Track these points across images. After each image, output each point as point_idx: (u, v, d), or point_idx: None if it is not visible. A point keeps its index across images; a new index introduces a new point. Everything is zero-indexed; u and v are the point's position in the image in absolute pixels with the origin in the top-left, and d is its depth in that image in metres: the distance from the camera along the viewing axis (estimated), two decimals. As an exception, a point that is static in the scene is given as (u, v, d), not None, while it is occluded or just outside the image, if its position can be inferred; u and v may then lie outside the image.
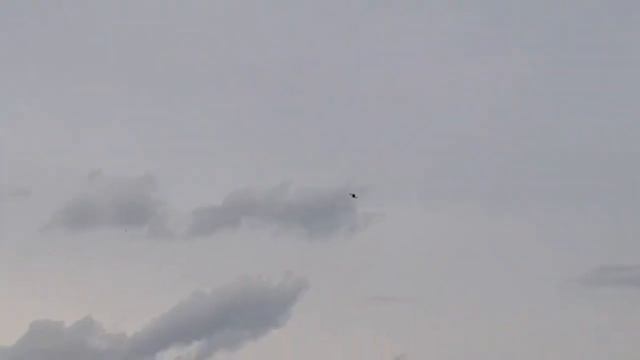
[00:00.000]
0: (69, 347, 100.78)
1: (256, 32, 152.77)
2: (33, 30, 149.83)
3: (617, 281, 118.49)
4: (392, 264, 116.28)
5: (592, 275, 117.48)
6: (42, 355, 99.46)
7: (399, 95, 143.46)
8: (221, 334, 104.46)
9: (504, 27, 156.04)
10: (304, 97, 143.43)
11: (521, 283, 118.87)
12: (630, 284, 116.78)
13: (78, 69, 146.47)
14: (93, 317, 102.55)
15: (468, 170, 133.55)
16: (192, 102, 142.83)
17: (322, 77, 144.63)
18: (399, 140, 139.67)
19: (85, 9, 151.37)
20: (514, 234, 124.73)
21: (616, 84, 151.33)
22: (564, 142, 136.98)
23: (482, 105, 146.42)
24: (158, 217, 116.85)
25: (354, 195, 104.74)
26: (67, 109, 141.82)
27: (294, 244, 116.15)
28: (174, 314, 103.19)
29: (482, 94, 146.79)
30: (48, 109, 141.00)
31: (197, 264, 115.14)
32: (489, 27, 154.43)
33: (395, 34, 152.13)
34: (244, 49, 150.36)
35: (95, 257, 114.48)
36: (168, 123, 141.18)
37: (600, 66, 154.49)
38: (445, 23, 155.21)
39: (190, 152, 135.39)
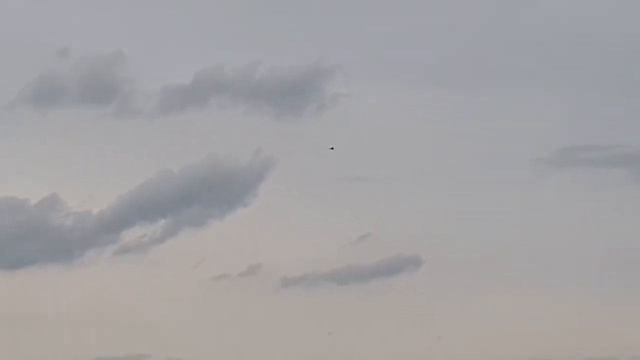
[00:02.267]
0: (34, 224, 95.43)
1: None
2: None
3: (584, 161, 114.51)
4: (361, 144, 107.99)
5: (560, 155, 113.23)
6: (6, 231, 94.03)
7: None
8: (188, 212, 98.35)
9: None
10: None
11: (490, 162, 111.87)
12: (597, 164, 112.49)
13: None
14: (59, 195, 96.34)
15: (437, 50, 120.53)
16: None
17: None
18: (369, 19, 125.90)
19: None
20: (484, 114, 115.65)
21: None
22: (535, 19, 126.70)
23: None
24: (125, 95, 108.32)
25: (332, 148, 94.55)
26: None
27: (262, 123, 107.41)
28: (140, 192, 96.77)
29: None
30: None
31: (165, 143, 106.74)
32: None
33: None
34: None
35: (62, 135, 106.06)
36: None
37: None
38: None
39: (160, 29, 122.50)
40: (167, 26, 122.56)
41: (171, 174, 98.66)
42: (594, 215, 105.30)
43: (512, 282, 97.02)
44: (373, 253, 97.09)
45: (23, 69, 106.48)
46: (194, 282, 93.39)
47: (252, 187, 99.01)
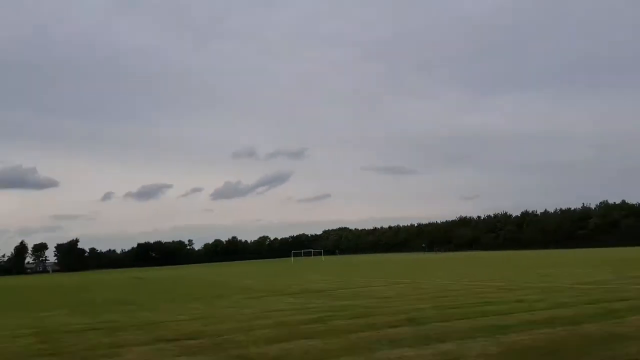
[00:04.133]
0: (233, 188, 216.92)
1: None
2: None
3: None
4: (319, 171, 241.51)
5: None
6: (225, 194, 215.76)
7: None
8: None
9: None
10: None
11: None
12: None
13: None
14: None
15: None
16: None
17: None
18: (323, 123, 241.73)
19: None
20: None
21: None
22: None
23: None
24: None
25: None
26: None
27: (286, 163, 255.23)
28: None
29: None
30: None
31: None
32: None
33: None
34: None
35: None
36: None
37: None
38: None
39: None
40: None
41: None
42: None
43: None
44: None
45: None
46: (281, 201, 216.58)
47: (287, 178, 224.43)
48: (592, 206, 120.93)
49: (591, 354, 9.01)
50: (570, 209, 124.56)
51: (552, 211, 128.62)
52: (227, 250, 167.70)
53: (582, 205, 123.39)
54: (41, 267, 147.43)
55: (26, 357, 11.42)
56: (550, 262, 47.52)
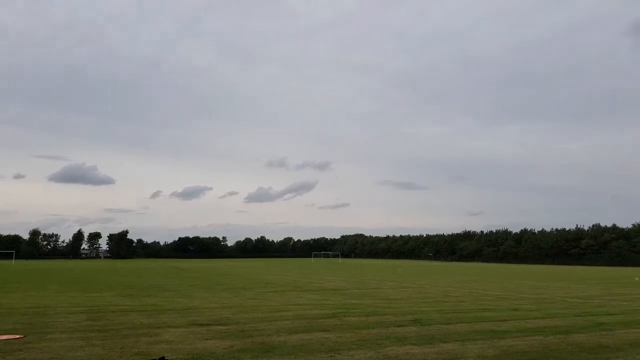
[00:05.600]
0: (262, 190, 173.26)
1: None
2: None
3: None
4: (338, 179, 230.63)
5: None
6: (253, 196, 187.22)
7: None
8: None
9: None
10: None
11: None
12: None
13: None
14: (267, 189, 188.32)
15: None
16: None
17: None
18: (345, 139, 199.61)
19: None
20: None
21: None
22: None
23: None
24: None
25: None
26: None
27: (312, 175, 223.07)
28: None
29: None
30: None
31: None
32: None
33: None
34: None
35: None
36: None
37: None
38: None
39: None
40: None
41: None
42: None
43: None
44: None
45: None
46: (305, 207, 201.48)
47: (312, 187, 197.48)
48: (586, 228, 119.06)
49: (580, 362, 8.78)
50: (565, 229, 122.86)
51: (549, 230, 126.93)
52: (256, 248, 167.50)
53: (576, 226, 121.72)
54: (94, 253, 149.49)
55: (77, 332, 11.52)
56: (545, 276, 46.62)
